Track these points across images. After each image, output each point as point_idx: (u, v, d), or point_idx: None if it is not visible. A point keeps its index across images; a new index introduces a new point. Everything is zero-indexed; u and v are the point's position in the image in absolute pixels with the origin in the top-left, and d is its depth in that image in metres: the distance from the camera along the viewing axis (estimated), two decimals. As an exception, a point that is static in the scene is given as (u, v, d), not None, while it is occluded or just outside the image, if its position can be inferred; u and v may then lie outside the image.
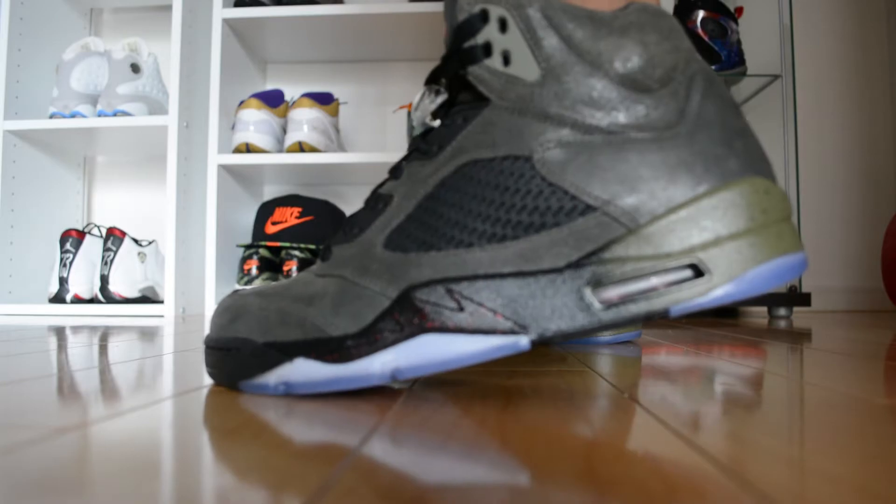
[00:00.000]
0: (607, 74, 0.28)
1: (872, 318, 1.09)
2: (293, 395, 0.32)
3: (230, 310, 0.34)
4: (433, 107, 0.34)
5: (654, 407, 0.29)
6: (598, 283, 0.27)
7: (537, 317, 0.28)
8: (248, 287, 0.37)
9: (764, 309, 1.49)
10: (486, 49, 0.30)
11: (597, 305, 0.27)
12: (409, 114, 1.51)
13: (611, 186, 0.27)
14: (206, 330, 0.85)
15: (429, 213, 0.30)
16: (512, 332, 0.28)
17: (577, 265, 0.27)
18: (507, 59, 0.29)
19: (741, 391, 0.33)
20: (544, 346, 0.40)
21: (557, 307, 0.28)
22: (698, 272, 0.27)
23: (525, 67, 0.29)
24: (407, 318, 0.29)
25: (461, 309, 0.29)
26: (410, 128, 1.44)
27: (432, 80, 0.34)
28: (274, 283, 0.36)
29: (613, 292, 0.27)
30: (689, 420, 0.26)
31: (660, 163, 0.27)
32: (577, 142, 0.28)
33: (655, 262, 0.27)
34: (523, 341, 0.28)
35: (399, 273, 0.30)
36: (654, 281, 0.27)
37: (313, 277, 0.33)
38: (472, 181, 0.29)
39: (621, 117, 0.28)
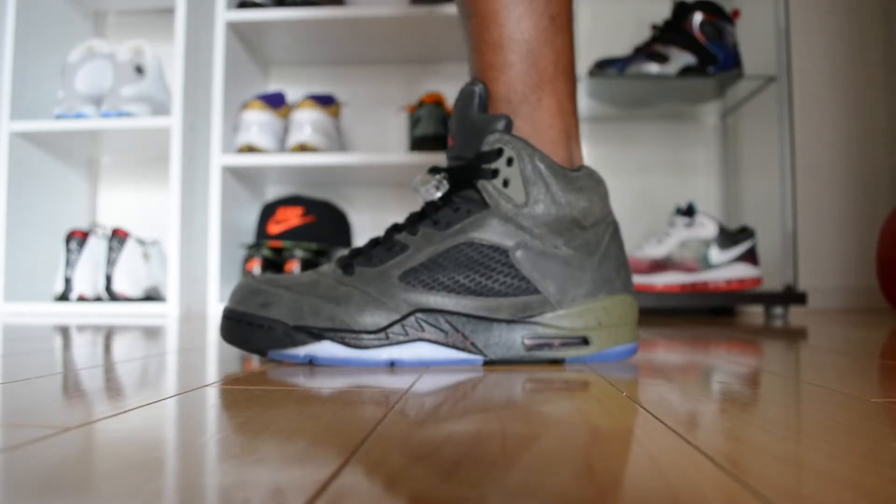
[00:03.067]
0: (564, 213, 0.45)
1: (868, 316, 1.10)
2: (316, 365, 0.45)
3: (259, 294, 0.45)
4: (438, 193, 0.48)
5: (653, 406, 0.29)
6: (530, 335, 0.45)
7: (490, 347, 0.45)
8: (261, 275, 0.49)
9: (761, 308, 1.50)
10: (494, 173, 0.45)
11: (527, 345, 0.45)
12: (409, 115, 1.52)
13: (549, 281, 0.45)
14: (210, 329, 0.86)
15: (435, 266, 0.45)
16: (475, 352, 0.45)
17: (520, 321, 0.45)
18: (506, 184, 0.45)
19: (738, 390, 0.34)
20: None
21: (503, 343, 0.45)
22: (586, 342, 0.46)
23: (517, 193, 0.45)
24: (411, 329, 0.44)
25: (446, 333, 0.45)
26: (410, 129, 1.45)
27: (435, 172, 0.49)
28: (289, 276, 0.47)
29: (536, 342, 0.45)
30: (686, 419, 0.26)
31: (580, 275, 0.46)
32: (537, 249, 0.45)
33: (565, 331, 0.46)
34: (479, 360, 0.45)
35: (409, 299, 0.44)
36: (559, 342, 0.46)
37: (335, 283, 0.45)
38: (467, 255, 0.45)
39: (563, 240, 0.46)
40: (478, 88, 0.47)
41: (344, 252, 1.63)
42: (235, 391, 0.34)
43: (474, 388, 0.35)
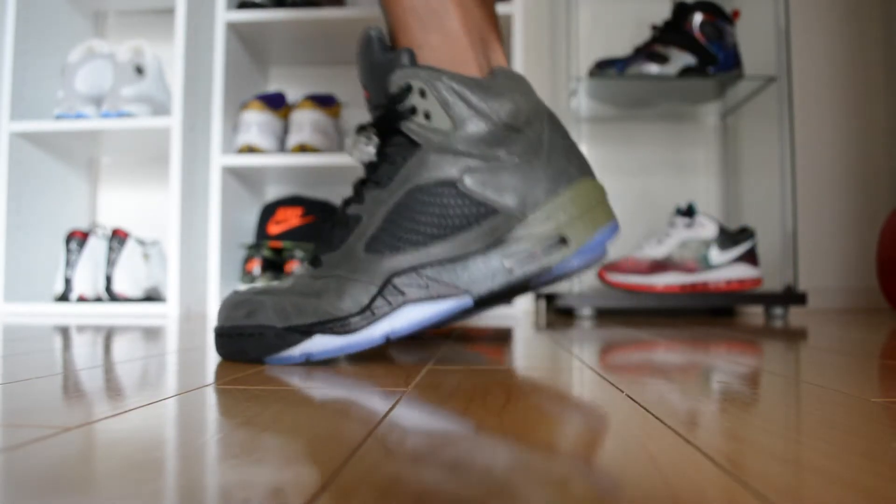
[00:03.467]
0: (493, 122, 0.43)
1: (868, 316, 1.10)
2: (312, 362, 0.45)
3: (243, 305, 0.45)
4: (371, 149, 0.46)
5: (653, 405, 0.29)
6: (507, 254, 0.43)
7: (474, 282, 0.43)
8: (246, 287, 0.48)
9: (761, 308, 1.50)
10: (413, 110, 0.44)
11: (508, 267, 0.43)
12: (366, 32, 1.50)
13: (506, 195, 0.43)
14: (209, 329, 0.86)
15: (392, 225, 0.43)
16: (461, 294, 0.43)
17: (493, 244, 0.43)
18: (427, 116, 0.44)
19: (738, 390, 0.34)
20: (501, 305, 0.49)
21: (485, 274, 0.43)
22: (564, 241, 0.43)
23: (441, 121, 0.43)
24: (392, 297, 0.43)
25: (427, 286, 0.43)
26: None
27: (361, 130, 0.47)
28: (269, 284, 0.47)
29: (517, 259, 0.43)
30: (686, 419, 0.26)
31: (533, 177, 0.44)
32: (482, 169, 0.43)
33: (540, 237, 0.43)
34: (467, 300, 0.43)
35: (380, 268, 0.43)
36: (538, 250, 0.43)
37: (310, 280, 0.45)
38: (418, 201, 0.43)
39: (504, 149, 0.44)
40: (373, 32, 0.45)
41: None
42: (235, 391, 0.34)
43: (471, 383, 0.35)
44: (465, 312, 0.49)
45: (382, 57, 0.45)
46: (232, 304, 0.46)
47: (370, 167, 0.46)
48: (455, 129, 0.43)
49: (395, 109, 0.44)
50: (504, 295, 0.45)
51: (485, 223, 0.43)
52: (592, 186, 0.45)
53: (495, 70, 0.45)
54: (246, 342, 0.44)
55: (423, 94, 0.43)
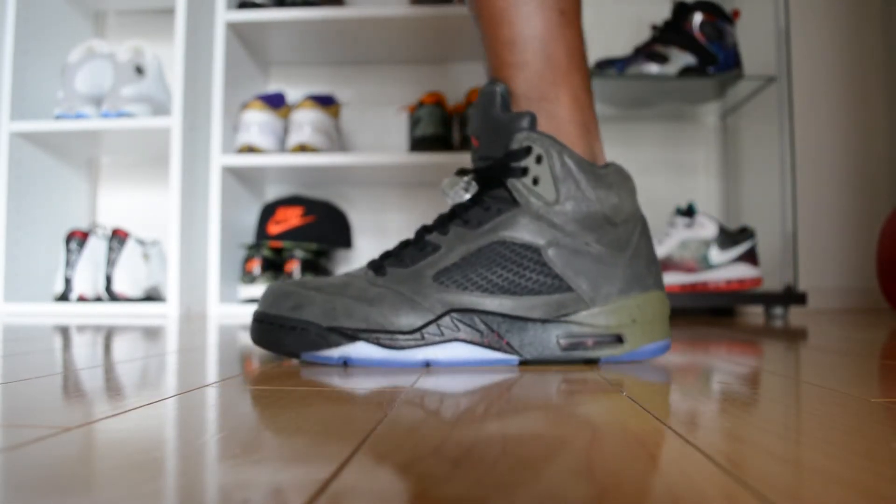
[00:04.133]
0: (594, 210, 0.46)
1: (867, 316, 1.10)
2: (351, 366, 0.45)
3: (290, 296, 0.45)
4: (467, 196, 0.48)
5: (653, 406, 0.29)
6: (564, 334, 0.45)
7: (525, 346, 0.45)
8: (290, 279, 0.48)
9: (761, 308, 1.50)
10: (524, 171, 0.46)
11: (562, 345, 0.45)
12: (409, 115, 1.52)
13: (582, 279, 0.45)
14: (210, 329, 0.86)
15: (467, 265, 0.45)
16: (510, 352, 0.45)
17: (555, 320, 0.45)
18: (535, 181, 0.45)
19: (738, 390, 0.34)
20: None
21: (539, 342, 0.45)
22: (620, 340, 0.46)
23: (547, 191, 0.45)
24: (446, 329, 0.44)
25: (481, 333, 0.45)
26: (410, 129, 1.45)
27: (462, 173, 0.49)
28: (318, 279, 0.47)
29: (571, 341, 0.45)
30: (686, 419, 0.26)
31: (612, 272, 0.46)
32: (569, 247, 0.45)
33: (599, 329, 0.45)
34: (514, 360, 0.45)
35: (443, 299, 0.44)
36: (592, 341, 0.46)
37: (367, 285, 0.46)
38: (500, 254, 0.45)
39: (595, 237, 0.46)
40: (499, 88, 0.47)
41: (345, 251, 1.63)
42: (235, 391, 0.34)
43: (474, 389, 0.35)
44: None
45: (505, 114, 0.46)
46: (280, 293, 0.46)
47: (461, 206, 0.48)
48: (557, 202, 0.45)
49: (507, 165, 0.46)
50: (547, 363, 0.47)
51: (555, 296, 0.45)
52: (661, 301, 0.48)
53: (610, 164, 0.48)
54: (287, 335, 0.45)
55: (539, 160, 0.45)
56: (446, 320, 0.44)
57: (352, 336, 0.44)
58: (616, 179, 0.47)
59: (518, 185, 0.45)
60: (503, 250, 0.45)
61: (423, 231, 0.48)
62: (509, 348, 0.45)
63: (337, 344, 0.44)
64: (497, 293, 0.45)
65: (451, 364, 0.44)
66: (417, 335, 0.44)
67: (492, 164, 0.47)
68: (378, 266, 0.47)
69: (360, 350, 0.44)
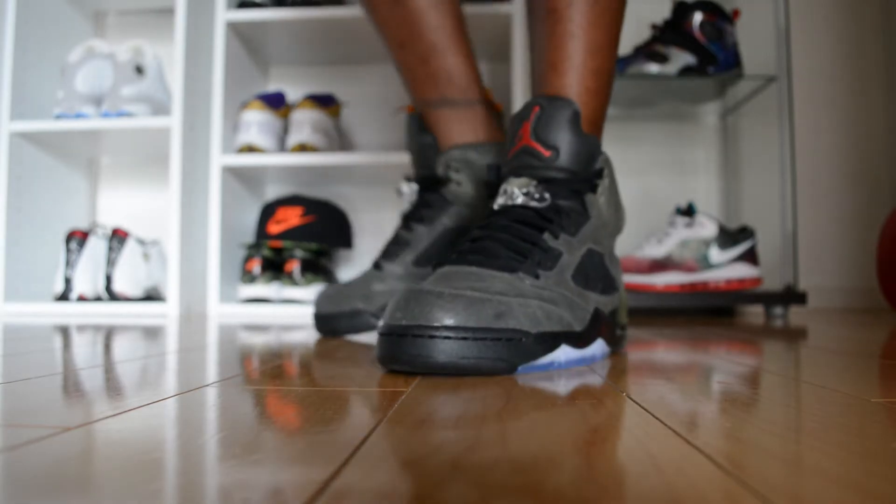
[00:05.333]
0: (619, 223, 0.56)
1: (868, 316, 1.10)
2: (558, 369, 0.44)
3: (490, 304, 0.41)
4: (532, 201, 0.50)
5: (653, 406, 0.29)
6: (620, 327, 0.54)
7: (615, 340, 0.53)
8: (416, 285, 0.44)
9: (761, 308, 1.50)
10: (596, 188, 0.51)
11: (620, 343, 0.55)
12: (409, 115, 1.51)
13: (618, 279, 0.54)
14: (209, 328, 0.86)
15: (581, 270, 0.49)
16: (613, 344, 0.53)
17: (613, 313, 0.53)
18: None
19: (738, 390, 0.34)
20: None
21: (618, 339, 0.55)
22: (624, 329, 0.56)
23: (606, 207, 0.52)
24: (604, 325, 0.50)
25: (608, 328, 0.51)
26: (413, 130, 1.45)
27: (532, 177, 0.51)
28: (480, 284, 0.43)
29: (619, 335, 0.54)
30: (686, 419, 0.26)
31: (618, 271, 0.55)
32: (610, 252, 0.54)
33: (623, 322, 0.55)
34: (612, 349, 0.53)
35: (590, 298, 0.49)
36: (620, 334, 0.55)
37: (530, 287, 0.44)
38: (591, 259, 0.50)
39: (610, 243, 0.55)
40: (575, 107, 0.51)
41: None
42: (235, 391, 0.34)
43: (473, 388, 0.35)
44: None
45: (590, 136, 0.52)
46: (470, 302, 0.40)
47: (546, 211, 0.50)
48: (610, 217, 0.53)
49: (592, 182, 0.52)
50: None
51: (614, 296, 0.53)
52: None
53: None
54: (505, 346, 0.40)
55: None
56: (598, 316, 0.49)
57: (556, 340, 0.43)
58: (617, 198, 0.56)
59: (593, 200, 0.51)
60: (592, 258, 0.51)
61: (537, 232, 0.49)
62: (612, 340, 0.52)
63: (550, 350, 0.43)
64: (597, 292, 0.50)
65: (602, 358, 0.49)
66: (589, 332, 0.47)
67: (570, 177, 0.51)
68: (528, 269, 0.46)
69: (564, 353, 0.44)
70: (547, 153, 0.51)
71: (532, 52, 0.57)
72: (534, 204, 0.49)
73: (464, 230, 0.76)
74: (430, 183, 0.78)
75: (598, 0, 0.52)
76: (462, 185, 0.74)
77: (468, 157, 0.74)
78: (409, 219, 0.78)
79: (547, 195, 0.50)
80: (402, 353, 0.39)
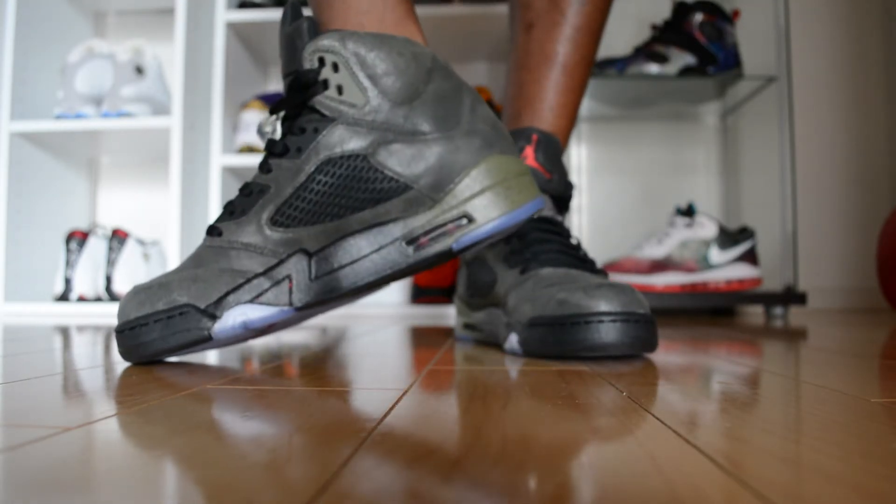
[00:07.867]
0: (403, 81, 0.41)
1: (868, 316, 1.10)
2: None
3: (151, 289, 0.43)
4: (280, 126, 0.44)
5: (653, 406, 0.29)
6: (405, 236, 0.41)
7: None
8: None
9: (761, 308, 1.50)
10: (325, 84, 0.42)
11: (412, 249, 0.41)
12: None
13: (420, 172, 0.40)
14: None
15: (302, 196, 0.41)
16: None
17: (403, 220, 0.41)
18: (340, 90, 0.41)
19: (738, 390, 0.34)
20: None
21: (382, 254, 0.41)
22: (470, 219, 0.40)
23: (353, 94, 0.41)
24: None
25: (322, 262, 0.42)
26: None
27: (277, 110, 0.44)
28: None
29: (423, 238, 0.40)
30: (686, 419, 0.26)
31: (445, 154, 0.41)
32: (396, 142, 0.41)
33: (445, 215, 0.40)
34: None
35: (287, 240, 0.42)
36: (447, 227, 0.40)
37: (205, 251, 0.43)
38: (331, 174, 0.41)
39: (421, 111, 0.41)
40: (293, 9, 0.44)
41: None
42: (235, 391, 0.34)
43: (472, 383, 0.35)
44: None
45: (288, 27, 0.43)
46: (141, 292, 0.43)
47: (274, 141, 0.44)
48: (367, 101, 0.41)
49: (306, 85, 0.42)
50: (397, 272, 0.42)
51: (394, 201, 0.41)
52: (512, 162, 0.43)
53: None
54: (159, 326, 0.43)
55: (335, 67, 0.41)
56: (292, 261, 0.41)
57: (219, 303, 0.41)
58: (405, 43, 0.43)
59: (324, 101, 0.42)
60: (333, 169, 0.41)
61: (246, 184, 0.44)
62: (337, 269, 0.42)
63: (212, 318, 0.41)
64: (345, 215, 0.41)
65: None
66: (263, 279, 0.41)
67: (289, 85, 0.43)
68: (211, 229, 0.43)
69: (239, 314, 0.41)
70: (283, 70, 0.45)
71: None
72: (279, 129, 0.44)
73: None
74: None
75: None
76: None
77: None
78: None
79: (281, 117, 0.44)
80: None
